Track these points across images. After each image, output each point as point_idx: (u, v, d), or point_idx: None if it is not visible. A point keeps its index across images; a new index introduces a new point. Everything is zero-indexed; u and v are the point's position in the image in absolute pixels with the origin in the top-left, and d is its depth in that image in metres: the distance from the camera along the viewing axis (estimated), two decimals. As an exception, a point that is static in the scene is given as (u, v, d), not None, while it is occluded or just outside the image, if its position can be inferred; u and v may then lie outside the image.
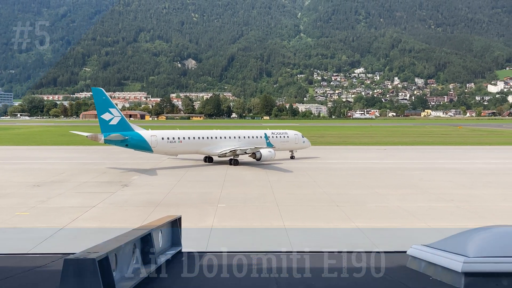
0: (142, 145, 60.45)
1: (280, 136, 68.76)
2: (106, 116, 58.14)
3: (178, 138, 62.79)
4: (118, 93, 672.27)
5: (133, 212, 32.80)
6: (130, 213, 32.51)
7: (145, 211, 32.84)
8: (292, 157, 70.34)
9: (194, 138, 64.23)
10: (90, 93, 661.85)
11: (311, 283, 6.75)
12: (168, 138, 61.89)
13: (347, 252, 8.79)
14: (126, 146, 60.19)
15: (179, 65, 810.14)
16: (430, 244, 7.37)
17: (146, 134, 61.23)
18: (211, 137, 65.18)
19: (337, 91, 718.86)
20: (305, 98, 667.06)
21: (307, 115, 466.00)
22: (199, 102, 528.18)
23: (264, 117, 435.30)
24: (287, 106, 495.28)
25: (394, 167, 60.58)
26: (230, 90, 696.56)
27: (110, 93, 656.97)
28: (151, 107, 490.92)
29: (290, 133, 70.15)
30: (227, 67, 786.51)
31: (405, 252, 7.67)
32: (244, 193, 41.26)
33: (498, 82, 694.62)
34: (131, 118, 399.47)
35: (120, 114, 59.49)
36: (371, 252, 9.23)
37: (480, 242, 6.70)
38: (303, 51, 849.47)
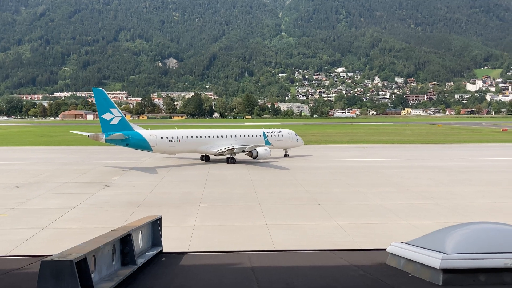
0: (142, 144, 61.55)
1: (275, 135, 70.06)
2: (107, 116, 59.13)
3: (177, 137, 63.91)
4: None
5: (114, 213, 32.56)
6: (111, 214, 32.27)
7: (126, 211, 32.64)
8: (286, 155, 71.64)
9: (192, 137, 65.52)
10: (70, 92, 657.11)
11: (292, 281, 6.74)
12: (167, 137, 63.05)
13: (328, 250, 8.90)
14: (127, 145, 61.33)
15: (160, 64, 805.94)
16: (409, 241, 7.41)
17: (146, 133, 62.28)
18: (209, 136, 66.51)
19: (318, 90, 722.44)
20: (286, 97, 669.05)
21: (289, 114, 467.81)
22: (180, 101, 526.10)
23: (246, 116, 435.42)
24: (269, 105, 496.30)
25: (375, 166, 61.13)
26: (211, 90, 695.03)
27: (90, 92, 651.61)
28: (131, 106, 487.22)
29: (284, 132, 71.83)
30: (208, 66, 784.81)
31: (385, 249, 7.71)
32: (226, 192, 41.24)
33: (477, 81, 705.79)
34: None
35: (121, 114, 60.53)
36: (351, 250, 9.28)
37: (458, 239, 6.79)
38: (285, 50, 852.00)
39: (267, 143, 62.54)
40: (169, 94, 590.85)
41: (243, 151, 63.83)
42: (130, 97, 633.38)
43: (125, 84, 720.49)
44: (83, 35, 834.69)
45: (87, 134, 67.26)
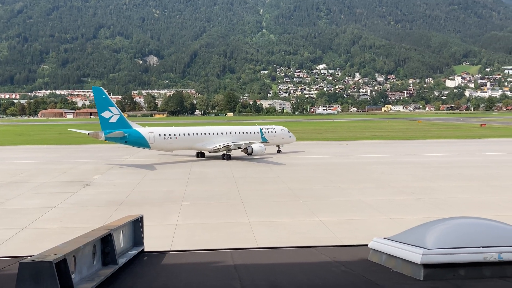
0: (140, 142, 62.91)
1: (268, 132, 71.43)
2: (106, 114, 60.22)
3: (174, 134, 65.34)
4: (78, 90, 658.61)
5: (95, 212, 32.25)
6: (92, 213, 31.96)
7: (107, 210, 32.33)
8: (279, 151, 73.09)
9: (189, 134, 67.05)
10: (49, 91, 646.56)
11: (274, 279, 6.72)
12: (164, 135, 64.51)
13: (310, 246, 8.91)
14: (125, 143, 62.58)
15: (141, 61, 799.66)
16: (391, 237, 7.49)
17: (144, 131, 63.65)
18: (205, 133, 67.98)
19: (300, 87, 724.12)
20: (268, 95, 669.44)
21: (270, 111, 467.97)
22: (161, 99, 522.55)
23: (228, 114, 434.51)
24: (251, 103, 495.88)
25: (356, 162, 61.56)
26: (193, 87, 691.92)
27: (70, 90, 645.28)
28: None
29: (277, 129, 73.59)
30: (189, 64, 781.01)
31: (367, 245, 7.77)
32: (209, 190, 41.13)
33: (456, 77, 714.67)
34: (91, 116, 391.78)
35: (119, 112, 61.79)
36: (333, 246, 9.30)
37: (438, 234, 6.88)
38: (266, 47, 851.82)
39: (264, 140, 65.04)
40: (150, 91, 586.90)
41: (239, 148, 65.10)
42: (110, 95, 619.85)
43: (105, 82, 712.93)
44: (62, 32, 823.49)
45: (86, 132, 68.17)
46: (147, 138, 62.61)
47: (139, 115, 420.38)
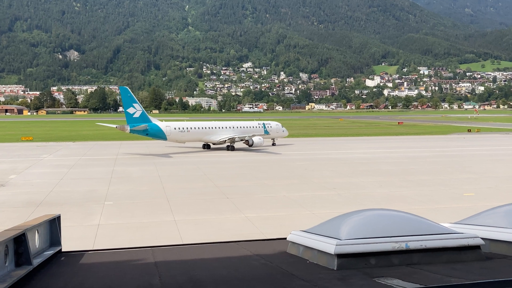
0: (159, 134, 71.64)
1: (267, 127, 78.77)
2: (130, 110, 69.09)
3: (187, 128, 74.59)
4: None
5: (11, 214, 30.65)
6: (8, 215, 30.35)
7: (25, 212, 30.80)
8: (273, 144, 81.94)
9: (199, 128, 76.55)
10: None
11: (194, 274, 6.77)
12: (179, 128, 73.59)
13: (232, 241, 8.95)
14: (147, 135, 71.52)
15: (60, 56, 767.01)
16: (308, 229, 7.72)
17: (162, 125, 72.67)
18: (212, 127, 77.21)
19: (226, 85, 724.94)
20: (195, 92, 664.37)
21: (197, 108, 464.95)
22: (82, 95, 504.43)
23: (153, 111, 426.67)
24: (177, 100, 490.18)
25: (281, 159, 62.67)
26: (116, 83, 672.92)
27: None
28: (29, 101, 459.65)
29: (272, 124, 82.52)
30: (112, 59, 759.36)
31: (286, 238, 7.99)
32: (133, 189, 40.29)
33: (375, 77, 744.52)
34: (7, 113, 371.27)
35: (141, 108, 70.91)
36: (254, 240, 9.37)
37: (351, 225, 7.15)
38: (192, 44, 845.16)
39: (266, 133, 74.14)
40: (70, 87, 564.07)
41: (242, 140, 73.79)
42: (27, 91, 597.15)
43: (22, 77, 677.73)
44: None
45: (114, 126, 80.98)
46: (165, 131, 71.00)
47: (58, 112, 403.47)
